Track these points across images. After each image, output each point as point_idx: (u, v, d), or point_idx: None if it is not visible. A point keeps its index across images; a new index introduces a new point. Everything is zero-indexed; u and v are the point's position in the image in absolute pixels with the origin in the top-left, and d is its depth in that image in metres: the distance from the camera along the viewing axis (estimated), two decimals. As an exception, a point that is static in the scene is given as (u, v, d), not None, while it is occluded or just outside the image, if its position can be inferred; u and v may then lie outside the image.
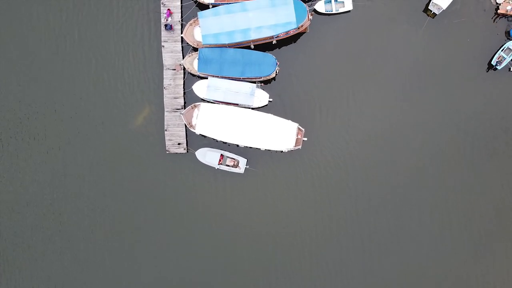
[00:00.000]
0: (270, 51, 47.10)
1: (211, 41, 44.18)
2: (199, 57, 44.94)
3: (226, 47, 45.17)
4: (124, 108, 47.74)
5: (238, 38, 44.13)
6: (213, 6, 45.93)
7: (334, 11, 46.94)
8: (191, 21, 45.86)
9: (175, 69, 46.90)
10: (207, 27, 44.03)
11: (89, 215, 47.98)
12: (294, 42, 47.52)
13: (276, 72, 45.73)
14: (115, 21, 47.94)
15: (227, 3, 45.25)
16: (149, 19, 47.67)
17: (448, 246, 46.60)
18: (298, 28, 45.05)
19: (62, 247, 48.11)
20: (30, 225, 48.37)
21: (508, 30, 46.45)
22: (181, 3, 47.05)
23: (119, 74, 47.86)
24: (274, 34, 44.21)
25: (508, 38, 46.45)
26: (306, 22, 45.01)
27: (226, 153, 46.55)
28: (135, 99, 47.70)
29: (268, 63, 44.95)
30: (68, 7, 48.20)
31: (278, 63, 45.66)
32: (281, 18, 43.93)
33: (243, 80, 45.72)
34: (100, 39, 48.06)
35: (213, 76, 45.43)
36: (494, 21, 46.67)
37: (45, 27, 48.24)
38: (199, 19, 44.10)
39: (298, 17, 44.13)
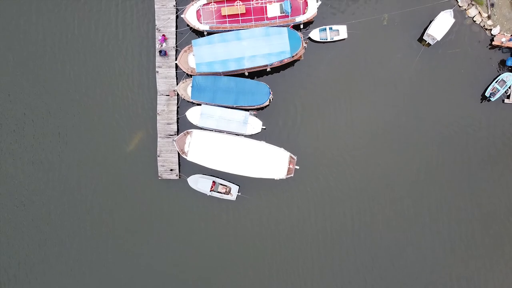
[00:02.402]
0: (264, 78, 47.20)
1: (205, 69, 44.19)
2: (192, 84, 44.92)
3: (220, 74, 45.21)
4: (118, 133, 47.68)
5: (232, 67, 44.13)
6: (208, 34, 46.02)
7: (329, 39, 46.93)
8: (186, 48, 45.85)
9: (169, 95, 46.91)
10: (200, 56, 44.02)
11: (79, 238, 47.95)
12: (289, 69, 47.52)
13: (270, 100, 45.74)
14: (110, 45, 47.94)
15: (222, 31, 45.39)
16: (143, 44, 47.66)
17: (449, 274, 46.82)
18: (293, 57, 45.10)
19: (56, 269, 48.20)
20: (21, 247, 48.53)
21: (504, 59, 46.39)
22: (176, 29, 47.06)
23: (113, 98, 47.83)
24: (268, 63, 44.24)
25: (503, 69, 46.44)
26: (300, 51, 45.04)
27: (218, 180, 46.50)
28: (128, 124, 47.65)
29: (261, 92, 44.96)
30: (67, 32, 48.36)
31: (272, 92, 45.66)
32: (275, 48, 43.95)
33: (237, 108, 45.78)
34: (95, 62, 48.07)
35: (206, 103, 45.47)
36: (488, 52, 46.69)
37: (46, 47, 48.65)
38: (193, 47, 44.12)
39: (292, 46, 44.17)
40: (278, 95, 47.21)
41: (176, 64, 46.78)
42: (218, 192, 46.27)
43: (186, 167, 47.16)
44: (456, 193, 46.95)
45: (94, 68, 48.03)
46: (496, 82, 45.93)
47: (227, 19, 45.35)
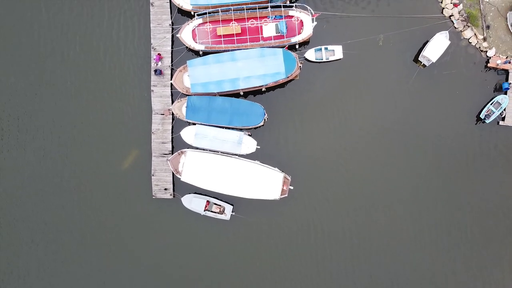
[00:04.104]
0: (260, 97, 47.16)
1: (200, 89, 44.19)
2: (187, 104, 44.92)
3: (215, 95, 45.20)
4: (112, 151, 47.63)
5: (227, 87, 44.12)
6: (204, 53, 46.02)
7: (324, 59, 46.89)
8: (181, 68, 45.78)
9: (163, 114, 46.89)
10: (195, 76, 44.02)
11: (71, 257, 47.87)
12: (284, 88, 47.45)
13: (264, 120, 45.72)
14: (105, 63, 47.96)
15: (217, 51, 45.35)
16: (139, 63, 47.62)
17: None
18: (288, 77, 45.06)
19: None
20: (16, 263, 48.54)
21: (500, 83, 46.39)
22: (172, 48, 47.05)
23: (107, 117, 47.82)
24: (263, 84, 44.24)
25: (498, 91, 46.44)
26: (296, 71, 45.01)
27: (212, 200, 46.42)
28: (123, 142, 47.60)
29: (256, 113, 44.95)
30: (69, 49, 48.64)
31: (266, 114, 45.62)
32: (270, 69, 43.97)
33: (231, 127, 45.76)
34: (91, 80, 48.07)
35: (201, 123, 45.44)
36: (483, 74, 46.66)
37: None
38: (188, 68, 44.11)
39: (287, 68, 44.19)
40: (273, 114, 47.17)
41: (171, 83, 46.74)
42: (212, 211, 46.18)
43: (181, 186, 47.01)
44: (455, 211, 46.79)
45: (90, 86, 48.01)
46: (491, 104, 45.89)
47: (222, 39, 45.35)
